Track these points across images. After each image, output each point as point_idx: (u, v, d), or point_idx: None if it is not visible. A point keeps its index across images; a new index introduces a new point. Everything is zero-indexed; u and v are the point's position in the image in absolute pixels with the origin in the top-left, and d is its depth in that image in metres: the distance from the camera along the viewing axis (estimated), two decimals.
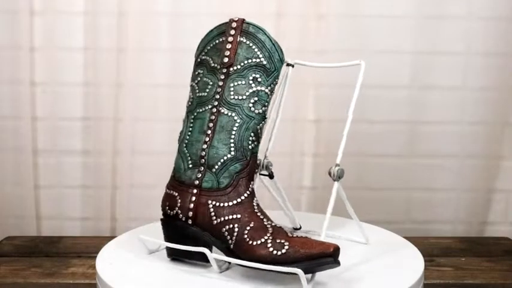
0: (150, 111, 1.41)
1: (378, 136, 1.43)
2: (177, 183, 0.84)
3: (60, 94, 1.41)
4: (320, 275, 0.77)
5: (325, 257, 0.74)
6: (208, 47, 0.86)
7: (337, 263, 0.74)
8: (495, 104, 1.42)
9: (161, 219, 0.86)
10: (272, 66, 0.84)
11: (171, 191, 0.85)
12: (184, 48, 1.38)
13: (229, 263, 0.81)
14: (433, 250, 1.30)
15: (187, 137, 0.84)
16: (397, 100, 1.42)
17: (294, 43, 1.37)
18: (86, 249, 1.30)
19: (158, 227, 0.91)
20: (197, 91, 0.85)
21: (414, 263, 0.85)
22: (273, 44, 0.85)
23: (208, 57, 0.86)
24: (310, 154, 1.43)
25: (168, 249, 0.85)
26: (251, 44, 0.83)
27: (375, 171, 1.44)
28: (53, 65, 1.40)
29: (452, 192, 1.45)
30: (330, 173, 0.87)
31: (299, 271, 0.73)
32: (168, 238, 0.84)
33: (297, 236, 0.77)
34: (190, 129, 0.84)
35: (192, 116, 0.85)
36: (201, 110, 0.84)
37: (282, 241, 0.76)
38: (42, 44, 1.39)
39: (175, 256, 0.85)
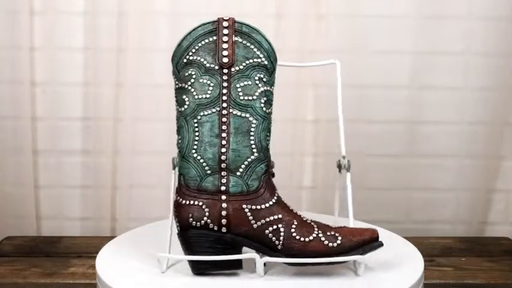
0: (150, 111, 1.41)
1: (378, 136, 1.43)
2: (197, 192, 0.80)
3: (60, 94, 1.41)
4: (320, 275, 0.78)
5: (374, 240, 0.79)
6: (196, 47, 0.83)
7: (382, 244, 0.80)
8: (495, 104, 1.42)
9: (183, 233, 0.80)
10: (271, 66, 0.84)
11: (192, 201, 0.79)
12: None
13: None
14: (433, 250, 1.30)
15: (196, 143, 0.80)
16: (397, 100, 1.42)
17: (294, 43, 1.38)
18: (86, 249, 1.30)
19: (158, 227, 0.91)
20: (194, 93, 0.81)
21: (414, 263, 0.85)
22: (269, 44, 0.84)
23: (199, 58, 0.82)
24: (310, 154, 1.43)
25: (196, 263, 0.79)
26: (248, 44, 0.83)
27: (375, 171, 1.44)
28: (53, 65, 1.40)
29: (452, 192, 1.45)
30: (340, 166, 0.91)
31: (361, 257, 0.78)
32: (196, 251, 0.79)
33: (339, 227, 0.81)
34: (197, 134, 0.80)
35: (195, 120, 0.81)
36: (206, 113, 0.81)
37: (333, 233, 0.79)
38: (42, 44, 1.39)
39: (203, 270, 0.80)
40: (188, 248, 0.79)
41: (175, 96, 0.83)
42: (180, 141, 0.82)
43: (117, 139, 1.42)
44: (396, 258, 0.86)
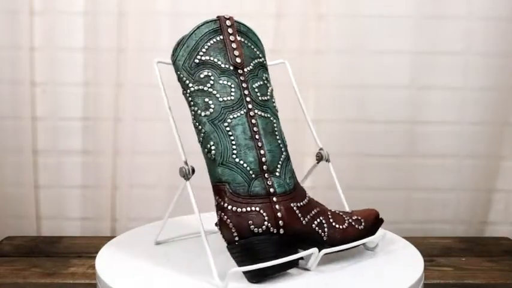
0: (150, 111, 1.41)
1: (378, 136, 1.43)
2: (249, 197, 0.76)
3: (60, 94, 1.41)
4: (320, 276, 0.78)
5: (378, 218, 0.87)
6: (206, 46, 0.79)
7: (383, 220, 0.87)
8: (495, 104, 1.42)
9: (245, 243, 0.75)
10: (266, 64, 0.84)
11: (249, 208, 0.76)
12: None
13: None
14: (433, 250, 1.30)
15: (234, 147, 0.77)
16: (397, 100, 1.42)
17: (294, 43, 1.38)
18: (86, 249, 1.30)
19: (158, 227, 0.91)
20: (218, 96, 0.78)
21: (414, 263, 0.85)
22: (261, 44, 0.84)
23: (211, 58, 0.79)
24: (310, 154, 1.43)
25: (261, 271, 0.75)
26: (249, 44, 0.82)
27: (375, 171, 1.44)
28: (53, 65, 1.40)
29: (452, 192, 1.45)
30: (320, 157, 0.94)
31: (384, 231, 0.87)
32: (262, 258, 0.75)
33: (351, 211, 0.86)
34: (232, 138, 0.77)
35: (226, 124, 0.77)
36: (235, 116, 0.78)
37: (356, 217, 0.84)
38: (42, 44, 1.39)
39: (266, 277, 0.76)
40: (253, 257, 0.75)
41: (192, 99, 0.80)
42: (213, 147, 0.78)
43: (117, 139, 1.42)
44: (396, 258, 0.86)
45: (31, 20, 1.38)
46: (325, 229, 0.80)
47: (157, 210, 1.43)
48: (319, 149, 0.93)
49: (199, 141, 0.80)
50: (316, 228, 0.79)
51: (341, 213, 0.84)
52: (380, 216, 0.87)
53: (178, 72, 0.81)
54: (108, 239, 0.97)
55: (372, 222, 0.85)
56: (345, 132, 1.42)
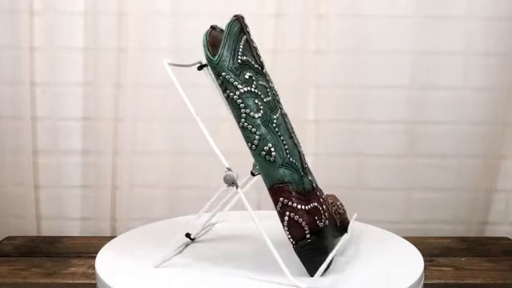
0: (150, 111, 1.41)
1: (378, 136, 1.43)
2: (308, 194, 0.78)
3: (60, 94, 1.41)
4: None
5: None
6: (241, 46, 0.78)
7: None
8: (495, 104, 1.42)
9: (316, 238, 0.77)
10: None
11: (312, 204, 0.77)
12: (184, 48, 1.38)
13: None
14: (433, 250, 1.30)
15: (286, 147, 0.77)
16: (397, 100, 1.42)
17: (294, 43, 1.38)
18: (86, 249, 1.30)
19: (158, 227, 0.91)
20: (262, 97, 0.77)
21: (414, 263, 0.85)
22: None
23: (247, 58, 0.78)
24: (311, 154, 1.43)
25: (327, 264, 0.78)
26: (254, 44, 0.83)
27: (375, 171, 1.44)
28: (53, 65, 1.40)
29: (452, 192, 1.45)
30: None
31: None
32: (329, 250, 0.78)
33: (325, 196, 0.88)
34: (282, 138, 0.77)
35: (274, 125, 0.77)
36: (276, 116, 0.78)
37: (339, 203, 0.90)
38: (42, 44, 1.39)
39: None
40: (322, 251, 0.77)
41: (242, 101, 0.77)
42: (272, 149, 0.76)
43: (117, 139, 1.42)
44: (396, 258, 0.86)
45: (31, 20, 1.38)
46: (338, 215, 0.86)
47: (157, 210, 1.43)
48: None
49: (253, 144, 0.77)
50: (334, 215, 0.84)
51: (332, 201, 0.87)
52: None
53: (224, 74, 0.77)
54: (108, 239, 0.97)
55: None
56: (345, 132, 1.42)
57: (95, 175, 1.44)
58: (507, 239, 1.42)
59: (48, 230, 1.46)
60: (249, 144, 0.77)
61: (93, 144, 1.43)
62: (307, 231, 0.76)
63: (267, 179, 0.77)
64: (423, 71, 1.41)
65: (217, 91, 0.80)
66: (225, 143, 1.38)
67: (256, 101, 0.77)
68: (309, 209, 0.77)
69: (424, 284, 0.83)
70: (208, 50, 0.77)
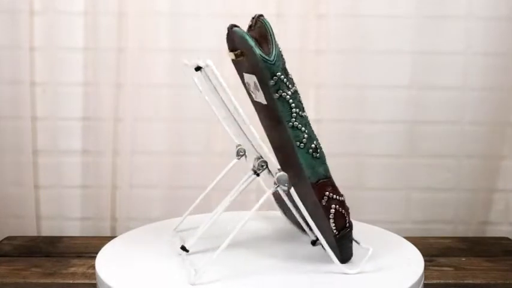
0: (150, 111, 1.41)
1: (378, 136, 1.43)
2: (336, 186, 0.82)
3: (60, 94, 1.41)
4: (320, 275, 0.79)
5: None
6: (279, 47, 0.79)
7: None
8: (495, 104, 1.42)
9: (350, 225, 0.81)
10: None
11: (343, 196, 0.82)
12: (184, 48, 1.38)
13: None
14: (433, 250, 1.30)
15: (320, 144, 0.81)
16: (397, 100, 1.42)
17: (294, 43, 1.38)
18: (86, 249, 1.30)
19: (158, 227, 0.91)
20: (299, 97, 0.80)
21: (414, 263, 0.85)
22: None
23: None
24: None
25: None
26: None
27: (375, 171, 1.44)
28: (53, 65, 1.40)
29: (452, 192, 1.45)
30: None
31: None
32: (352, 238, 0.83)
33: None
34: (316, 135, 0.80)
35: (310, 123, 0.80)
36: (306, 114, 0.81)
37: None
38: (42, 44, 1.39)
39: None
40: (351, 237, 0.82)
41: (293, 101, 0.78)
42: (318, 146, 0.79)
43: (117, 139, 1.42)
44: (396, 258, 0.86)
45: (31, 20, 1.38)
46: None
47: (157, 210, 1.43)
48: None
49: (301, 142, 0.78)
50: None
51: None
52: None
53: (279, 73, 0.76)
54: (108, 239, 0.97)
55: None
56: (345, 132, 1.42)
57: (95, 175, 1.44)
58: (507, 239, 1.42)
59: (48, 230, 1.46)
60: (297, 143, 0.78)
61: (93, 144, 1.43)
62: (347, 220, 0.80)
63: (313, 175, 0.79)
64: (423, 71, 1.41)
65: (210, 93, 0.79)
66: (225, 144, 1.38)
67: (300, 100, 0.79)
68: (344, 200, 0.80)
69: (424, 284, 0.83)
70: (260, 49, 0.76)
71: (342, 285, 0.77)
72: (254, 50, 0.75)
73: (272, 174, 0.81)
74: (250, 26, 0.81)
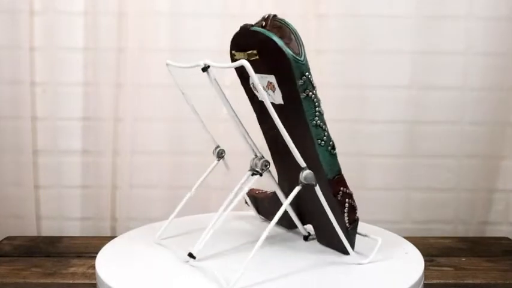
0: (150, 111, 1.41)
1: (378, 136, 1.43)
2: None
3: (60, 94, 1.41)
4: (319, 275, 0.78)
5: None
6: None
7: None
8: (495, 104, 1.42)
9: (358, 219, 0.85)
10: None
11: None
12: (184, 48, 1.38)
13: None
14: (433, 250, 1.30)
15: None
16: (397, 100, 1.42)
17: None
18: (86, 249, 1.30)
19: (158, 227, 0.91)
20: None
21: (414, 263, 0.85)
22: None
23: None
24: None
25: None
26: None
27: (375, 171, 1.44)
28: (53, 65, 1.40)
29: (452, 192, 1.45)
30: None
31: None
32: None
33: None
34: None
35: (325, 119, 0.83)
36: None
37: None
38: (42, 44, 1.40)
39: None
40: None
41: (316, 100, 0.81)
42: (333, 143, 0.83)
43: (117, 139, 1.42)
44: (396, 258, 0.86)
45: (31, 20, 1.38)
46: None
47: (157, 210, 1.43)
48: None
49: (322, 140, 0.81)
50: None
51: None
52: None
53: (307, 73, 0.79)
54: (108, 239, 0.97)
55: None
56: (345, 132, 1.42)
57: (95, 175, 1.44)
58: (507, 239, 1.42)
59: (48, 230, 1.46)
60: (319, 141, 0.80)
61: (93, 144, 1.43)
62: (356, 213, 0.84)
63: (330, 171, 0.81)
64: (423, 71, 1.41)
65: (214, 92, 0.79)
66: (225, 143, 1.38)
67: (319, 98, 0.81)
68: (353, 193, 0.84)
69: (424, 284, 0.83)
70: (289, 49, 0.77)
71: (342, 285, 0.77)
72: (284, 50, 0.77)
73: (271, 175, 0.82)
74: (262, 26, 0.81)
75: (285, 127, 0.72)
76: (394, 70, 1.41)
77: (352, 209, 0.83)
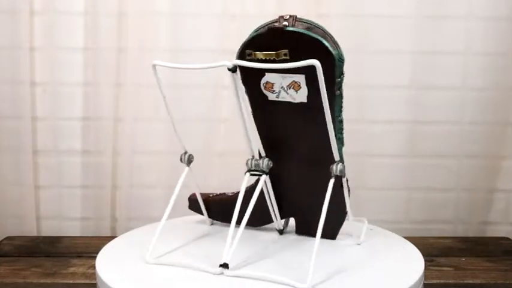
0: (150, 111, 1.41)
1: (378, 136, 1.43)
2: None
3: (60, 94, 1.41)
4: (319, 274, 0.78)
5: None
6: None
7: None
8: (495, 104, 1.42)
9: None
10: None
11: None
12: (184, 48, 1.38)
13: None
14: (433, 250, 1.30)
15: None
16: (397, 100, 1.42)
17: None
18: (86, 249, 1.30)
19: (158, 227, 0.91)
20: None
21: (414, 263, 0.85)
22: None
23: None
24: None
25: None
26: None
27: (375, 171, 1.44)
28: (53, 65, 1.40)
29: (452, 192, 1.45)
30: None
31: None
32: None
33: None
34: None
35: None
36: None
37: None
38: (42, 44, 1.39)
39: None
40: None
41: (342, 98, 0.83)
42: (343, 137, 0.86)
43: (117, 139, 1.42)
44: (396, 258, 0.86)
45: (31, 20, 1.38)
46: None
47: (157, 210, 1.43)
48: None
49: (341, 134, 0.85)
50: None
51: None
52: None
53: (344, 72, 0.81)
54: (108, 239, 0.97)
55: None
56: (345, 132, 1.42)
57: (95, 175, 1.44)
58: (507, 239, 1.42)
59: (48, 230, 1.46)
60: (339, 135, 0.84)
61: (93, 144, 1.43)
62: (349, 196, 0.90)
63: (340, 160, 0.82)
64: (423, 71, 1.41)
65: (229, 92, 0.79)
66: (225, 143, 1.38)
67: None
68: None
69: (424, 284, 0.83)
70: (329, 47, 0.77)
71: (342, 285, 0.77)
72: (332, 51, 0.77)
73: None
74: (285, 26, 0.82)
75: (304, 124, 0.74)
76: (394, 70, 1.41)
77: (349, 193, 0.90)
